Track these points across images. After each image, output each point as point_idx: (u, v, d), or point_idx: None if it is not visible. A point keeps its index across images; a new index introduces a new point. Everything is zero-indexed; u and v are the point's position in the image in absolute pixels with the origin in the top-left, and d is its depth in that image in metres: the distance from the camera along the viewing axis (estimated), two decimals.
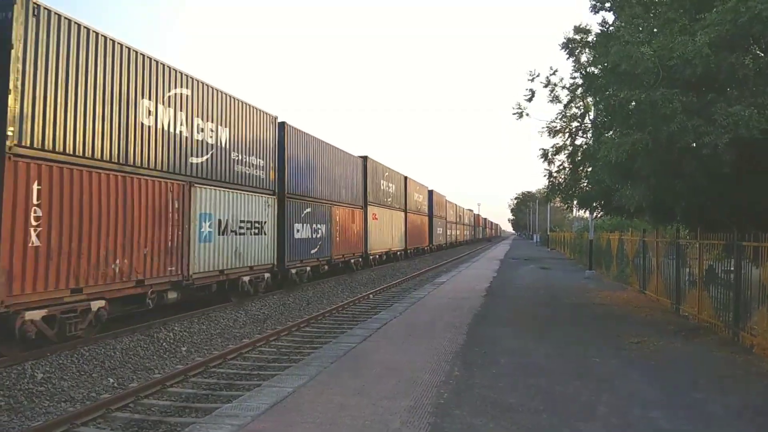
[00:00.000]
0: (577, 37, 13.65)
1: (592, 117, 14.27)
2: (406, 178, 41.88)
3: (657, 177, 10.28)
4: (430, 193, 53.23)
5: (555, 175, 15.68)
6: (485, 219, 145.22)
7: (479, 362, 8.52)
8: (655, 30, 10.02)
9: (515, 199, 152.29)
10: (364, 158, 31.74)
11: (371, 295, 20.61)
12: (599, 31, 12.54)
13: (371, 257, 31.79)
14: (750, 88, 9.02)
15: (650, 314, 13.52)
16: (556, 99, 14.44)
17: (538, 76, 13.90)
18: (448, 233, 64.27)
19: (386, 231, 35.44)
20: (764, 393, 7.22)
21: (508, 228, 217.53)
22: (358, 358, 8.76)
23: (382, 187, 34.81)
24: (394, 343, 9.94)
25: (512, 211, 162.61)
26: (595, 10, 12.40)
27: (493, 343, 9.93)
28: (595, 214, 20.06)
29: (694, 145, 9.12)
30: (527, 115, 13.99)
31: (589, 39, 13.50)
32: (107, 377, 9.73)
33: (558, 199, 17.34)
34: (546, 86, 14.12)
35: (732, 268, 10.43)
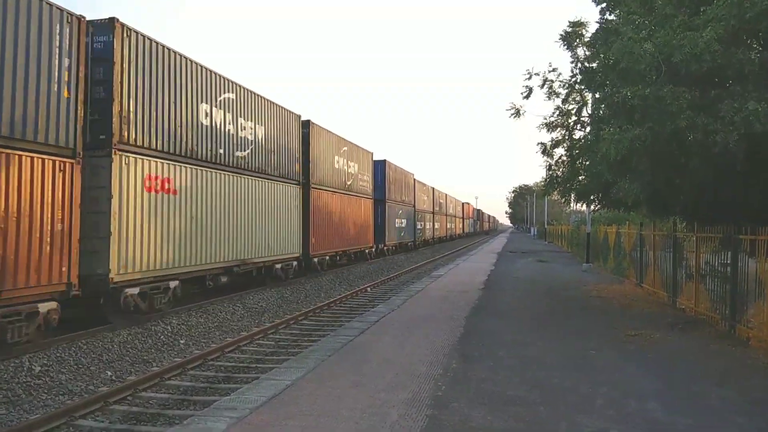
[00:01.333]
0: (574, 30, 13.65)
1: (589, 111, 14.28)
2: (307, 123, 23.03)
3: (656, 172, 10.28)
4: (380, 164, 34.31)
5: (554, 168, 15.72)
6: (478, 210, 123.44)
7: (477, 355, 8.55)
8: (653, 26, 9.99)
9: (512, 192, 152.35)
10: (114, 25, 12.02)
11: (369, 288, 20.64)
12: (598, 27, 12.54)
13: (130, 291, 12.29)
14: (754, 83, 9.02)
15: (647, 307, 13.56)
16: (554, 94, 14.47)
17: (536, 75, 13.91)
18: (419, 227, 46.70)
19: (225, 222, 16.24)
20: (760, 385, 7.25)
21: (505, 221, 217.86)
22: (356, 351, 8.77)
23: (207, 123, 15.47)
24: (392, 335, 9.95)
25: (510, 204, 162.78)
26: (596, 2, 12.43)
27: (491, 336, 9.95)
28: (592, 208, 20.10)
29: (699, 140, 9.08)
30: (524, 113, 14.01)
31: (585, 32, 13.49)
32: (105, 370, 9.74)
33: (556, 192, 17.37)
34: (542, 86, 14.14)
35: (729, 261, 10.46)
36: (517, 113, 13.94)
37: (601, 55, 10.26)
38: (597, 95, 12.38)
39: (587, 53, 13.30)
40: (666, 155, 9.81)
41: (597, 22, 12.89)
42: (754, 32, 9.14)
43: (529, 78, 13.94)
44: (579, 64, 13.69)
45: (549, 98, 14.48)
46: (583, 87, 13.55)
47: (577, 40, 13.58)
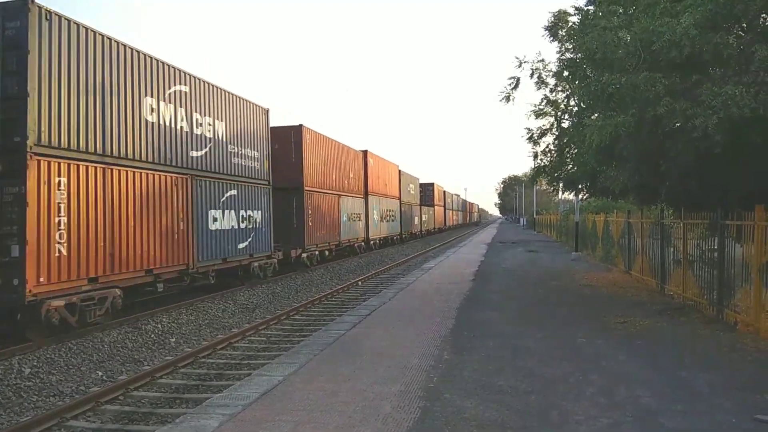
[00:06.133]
0: (557, 22, 13.73)
1: (576, 100, 14.37)
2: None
3: (641, 159, 10.35)
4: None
5: (541, 157, 15.82)
6: (453, 195, 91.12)
7: (468, 346, 8.58)
8: (636, 14, 10.03)
9: (502, 183, 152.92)
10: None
11: (360, 282, 20.65)
12: (578, 20, 12.60)
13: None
14: (733, 67, 9.08)
15: (636, 294, 13.68)
16: (542, 83, 14.56)
17: (525, 62, 14.02)
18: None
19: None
20: (747, 369, 7.34)
21: (495, 212, 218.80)
22: (347, 345, 8.78)
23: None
24: (384, 328, 9.97)
25: (499, 195, 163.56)
26: None
27: (482, 327, 9.99)
28: (580, 196, 20.24)
29: (679, 126, 9.15)
30: (513, 99, 14.10)
31: (568, 22, 13.57)
32: (96, 370, 9.69)
33: (544, 181, 17.47)
34: (532, 75, 14.25)
35: (716, 247, 10.56)
36: (507, 98, 14.06)
37: (584, 47, 10.29)
38: (581, 84, 12.45)
39: (569, 46, 13.37)
40: (650, 141, 9.87)
41: (575, 9, 12.92)
42: (734, 16, 9.20)
43: (519, 66, 14.07)
44: (565, 54, 13.78)
45: (538, 88, 14.60)
46: (568, 76, 13.62)
47: (561, 31, 13.65)
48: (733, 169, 10.02)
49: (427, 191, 60.65)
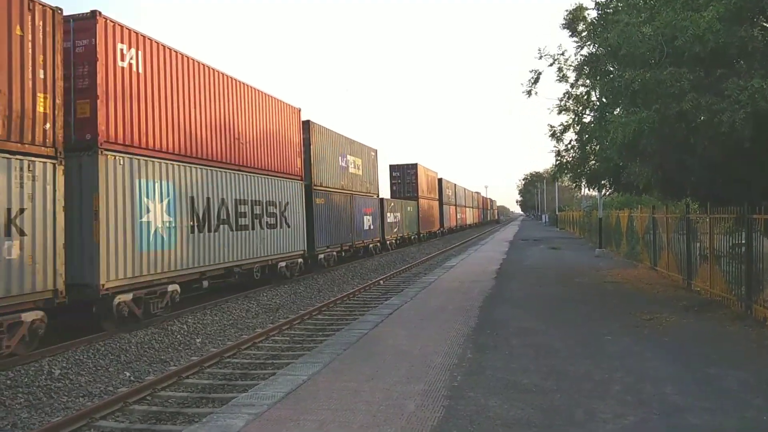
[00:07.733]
0: (575, 15, 13.61)
1: (597, 95, 14.21)
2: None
3: (665, 154, 10.21)
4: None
5: (563, 153, 15.67)
6: (459, 187, 69.93)
7: (491, 344, 8.55)
8: (656, 8, 9.89)
9: (523, 179, 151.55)
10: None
11: (382, 281, 20.68)
12: (598, 14, 12.46)
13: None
14: (759, 60, 8.91)
15: (662, 290, 13.50)
16: (563, 78, 14.44)
17: (546, 55, 13.93)
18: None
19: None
20: None
21: (516, 209, 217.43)
22: (370, 344, 8.81)
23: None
24: (406, 327, 9.98)
25: (520, 192, 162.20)
26: None
27: (505, 325, 9.94)
28: (603, 192, 20.02)
29: (705, 120, 9.01)
30: (536, 93, 14.03)
31: (587, 15, 13.45)
32: (123, 371, 9.84)
33: (566, 177, 17.31)
34: (551, 65, 14.13)
35: (743, 242, 10.38)
36: (529, 93, 13.99)
37: (607, 43, 10.16)
38: (603, 80, 12.31)
39: (588, 42, 13.24)
40: (674, 137, 9.73)
41: (596, 3, 12.76)
42: (759, 8, 9.02)
43: (540, 58, 13.99)
44: (584, 48, 13.65)
45: (560, 81, 14.48)
46: (589, 71, 13.48)
47: (581, 26, 13.52)
48: (758, 162, 9.84)
49: (406, 176, 42.91)
